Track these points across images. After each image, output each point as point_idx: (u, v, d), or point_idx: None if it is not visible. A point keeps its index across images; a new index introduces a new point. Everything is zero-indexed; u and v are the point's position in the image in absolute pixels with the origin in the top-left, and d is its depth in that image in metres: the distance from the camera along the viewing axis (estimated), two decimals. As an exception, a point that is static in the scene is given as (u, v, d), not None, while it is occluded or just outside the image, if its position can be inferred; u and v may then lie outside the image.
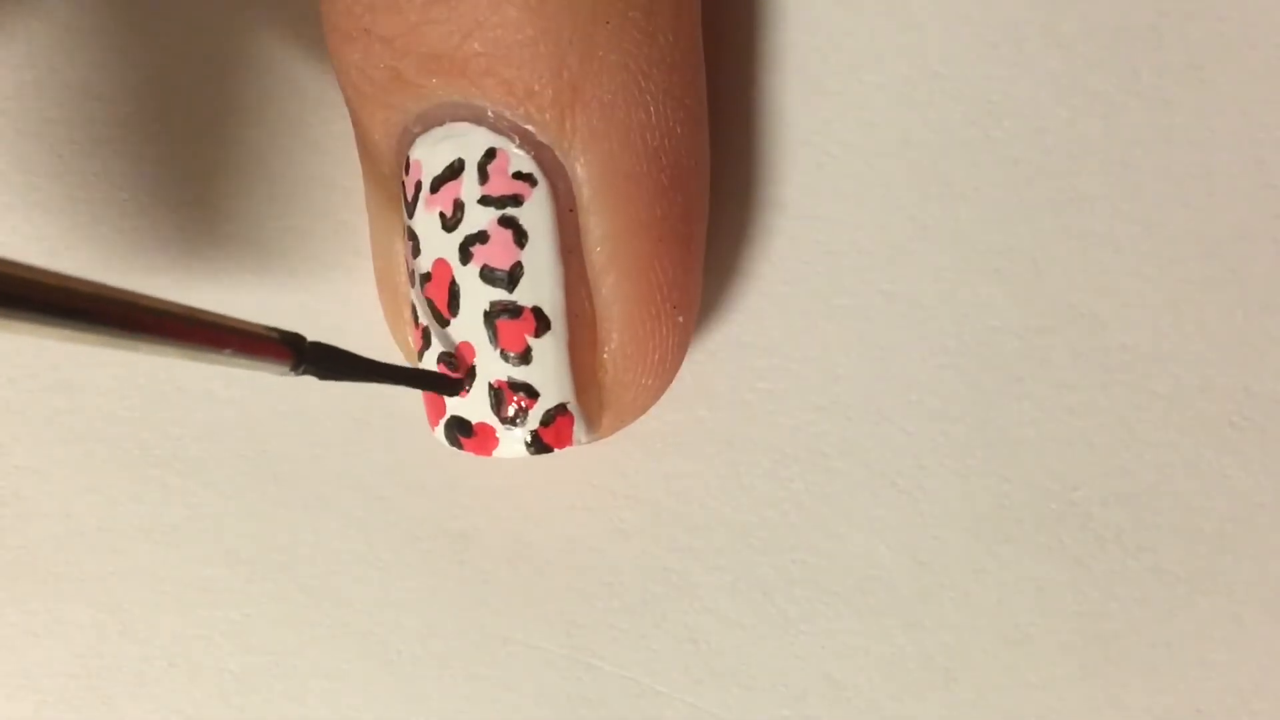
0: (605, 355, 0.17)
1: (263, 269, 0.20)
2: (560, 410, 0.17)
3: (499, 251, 0.17)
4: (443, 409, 0.17)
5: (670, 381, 0.18)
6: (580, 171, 0.17)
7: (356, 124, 0.18)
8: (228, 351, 0.14)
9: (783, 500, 0.20)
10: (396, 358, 0.19)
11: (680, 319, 0.18)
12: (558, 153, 0.17)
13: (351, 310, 0.20)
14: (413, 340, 0.18)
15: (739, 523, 0.20)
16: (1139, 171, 0.19)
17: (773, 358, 0.20)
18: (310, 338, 0.15)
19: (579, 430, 0.17)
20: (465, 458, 0.20)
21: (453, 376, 0.17)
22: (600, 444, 0.19)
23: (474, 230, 0.17)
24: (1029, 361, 0.19)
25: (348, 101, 0.18)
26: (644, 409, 0.18)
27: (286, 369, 0.15)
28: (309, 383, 0.20)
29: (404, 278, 0.18)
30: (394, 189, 0.18)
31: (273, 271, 0.20)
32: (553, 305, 0.17)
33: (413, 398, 0.19)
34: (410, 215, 0.17)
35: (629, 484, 0.20)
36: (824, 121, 0.19)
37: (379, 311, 0.20)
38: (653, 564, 0.20)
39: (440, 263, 0.17)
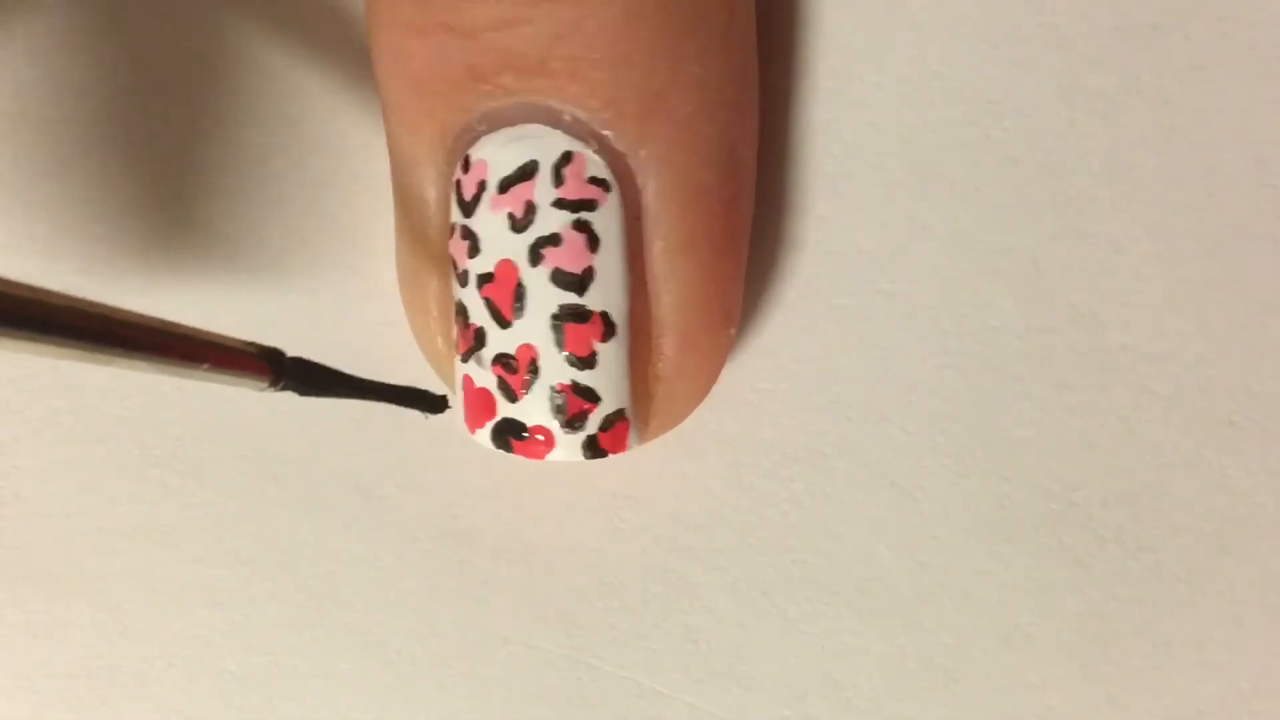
0: (660, 364, 0.17)
1: (262, 268, 0.20)
2: (619, 416, 0.17)
3: (572, 255, 0.17)
4: (489, 411, 0.17)
5: (710, 389, 0.18)
6: (652, 181, 0.17)
7: (403, 119, 0.17)
8: (205, 366, 0.14)
9: (783, 500, 0.20)
10: (404, 354, 0.19)
11: (731, 331, 0.18)
12: (630, 161, 0.17)
13: (350, 309, 0.20)
14: (444, 340, 0.18)
15: (739, 523, 0.20)
16: (1139, 171, 0.19)
17: (773, 358, 0.20)
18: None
19: (632, 436, 0.17)
20: (465, 458, 0.20)
21: (436, 395, 0.17)
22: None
23: (546, 233, 0.16)
24: (1029, 361, 0.19)
25: (395, 95, 0.17)
26: (687, 415, 0.18)
27: (265, 385, 0.15)
28: (309, 383, 0.20)
29: (437, 277, 0.18)
30: (437, 186, 0.17)
31: (272, 271, 0.20)
32: (619, 312, 0.17)
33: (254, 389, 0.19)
34: (467, 214, 0.17)
35: (629, 484, 0.20)
36: (824, 121, 0.19)
37: (377, 310, 0.20)
38: (653, 564, 0.20)
39: (506, 263, 0.17)
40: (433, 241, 0.18)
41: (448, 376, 0.18)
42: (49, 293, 0.12)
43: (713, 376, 0.18)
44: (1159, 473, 0.19)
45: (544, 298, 0.17)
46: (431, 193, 0.18)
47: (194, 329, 0.14)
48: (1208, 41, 0.19)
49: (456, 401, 0.18)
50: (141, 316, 0.13)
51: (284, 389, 0.15)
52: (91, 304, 0.12)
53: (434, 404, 0.17)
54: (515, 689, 0.20)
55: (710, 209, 0.17)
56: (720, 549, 0.20)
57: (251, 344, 0.14)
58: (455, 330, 0.17)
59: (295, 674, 0.20)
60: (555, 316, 0.17)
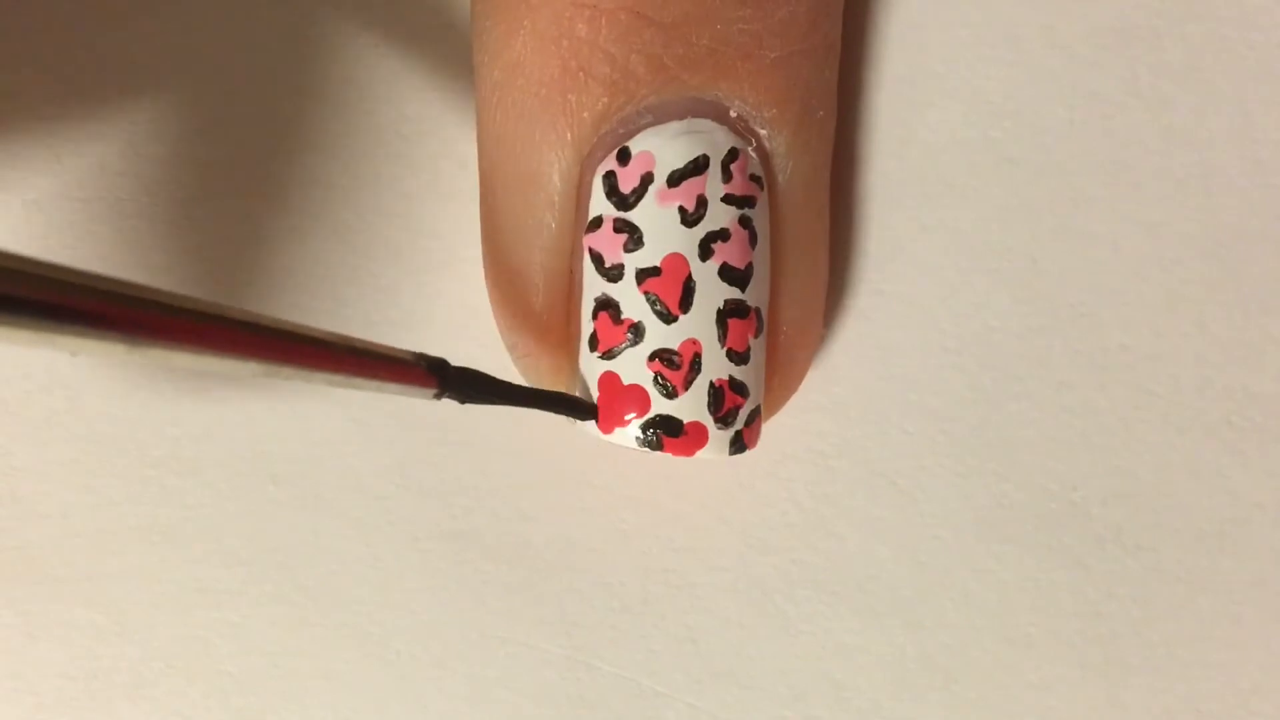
0: (775, 358, 0.18)
1: (261, 269, 0.20)
2: (758, 411, 0.17)
3: (739, 250, 0.17)
4: (639, 409, 0.17)
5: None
6: (788, 181, 0.17)
7: (543, 105, 0.17)
8: (377, 378, 0.14)
9: (783, 500, 0.20)
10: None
11: (823, 330, 0.19)
12: (774, 160, 0.17)
13: (350, 309, 0.20)
14: (557, 335, 0.18)
15: (739, 523, 0.20)
16: (1139, 171, 0.19)
17: (773, 358, 0.20)
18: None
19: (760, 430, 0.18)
20: (465, 458, 0.20)
21: (588, 402, 0.17)
22: (599, 445, 0.19)
23: (717, 227, 0.17)
24: (1028, 361, 0.19)
25: (539, 78, 0.17)
26: (782, 408, 0.19)
27: (430, 394, 0.15)
28: (306, 382, 0.20)
29: (552, 269, 0.17)
30: (572, 177, 0.17)
31: (271, 271, 0.20)
32: (765, 307, 0.17)
33: (418, 403, 0.19)
34: (625, 207, 0.17)
35: (629, 484, 0.20)
36: (824, 121, 0.19)
37: (377, 310, 0.20)
38: (653, 564, 0.20)
39: (675, 258, 0.17)
40: (553, 233, 0.17)
41: (544, 374, 0.18)
42: (232, 309, 0.12)
43: (808, 369, 0.19)
44: (1158, 473, 0.19)
45: (713, 293, 0.17)
46: (560, 183, 0.17)
47: (365, 342, 0.14)
48: (1206, 43, 0.19)
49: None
50: (315, 330, 0.13)
51: (444, 398, 0.15)
52: (269, 320, 0.13)
53: (586, 410, 0.17)
54: (515, 689, 0.20)
55: (824, 210, 0.18)
56: (720, 549, 0.20)
57: (419, 355, 0.15)
58: (591, 327, 0.17)
59: (295, 674, 0.20)
60: (721, 312, 0.17)
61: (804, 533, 0.20)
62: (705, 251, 0.17)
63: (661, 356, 0.17)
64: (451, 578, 0.20)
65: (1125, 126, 0.19)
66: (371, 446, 0.20)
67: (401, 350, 0.14)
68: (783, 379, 0.18)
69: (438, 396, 0.15)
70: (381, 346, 0.14)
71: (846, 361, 0.20)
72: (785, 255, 0.17)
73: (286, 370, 0.13)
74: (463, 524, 0.20)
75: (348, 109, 0.20)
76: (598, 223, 0.17)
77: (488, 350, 0.19)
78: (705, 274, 0.17)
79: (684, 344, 0.17)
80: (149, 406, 0.20)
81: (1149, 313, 0.19)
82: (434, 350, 0.20)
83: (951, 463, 0.20)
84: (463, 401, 0.15)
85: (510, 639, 0.20)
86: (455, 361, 0.16)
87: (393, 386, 0.14)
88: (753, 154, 0.17)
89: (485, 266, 0.18)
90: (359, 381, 0.14)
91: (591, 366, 0.17)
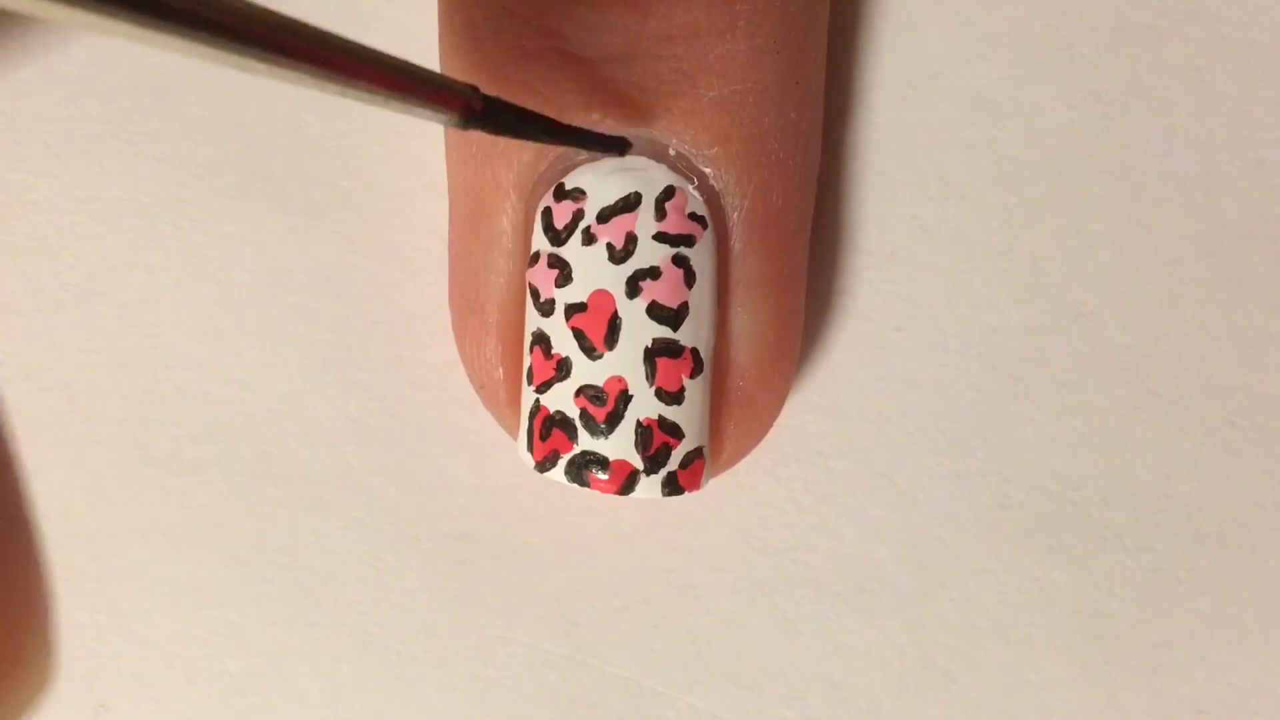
0: (732, 403, 0.17)
1: (261, 268, 0.20)
2: (697, 453, 0.17)
3: (670, 289, 0.16)
4: (565, 444, 0.17)
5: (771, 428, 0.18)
6: (743, 221, 0.17)
7: (488, 141, 0.17)
8: (402, 95, 0.13)
9: (783, 500, 0.20)
10: (400, 354, 0.19)
11: (793, 373, 0.18)
12: (725, 200, 0.17)
13: (350, 309, 0.20)
14: (505, 370, 0.18)
15: (739, 523, 0.20)
16: (1139, 171, 0.19)
17: (773, 358, 0.20)
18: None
19: (705, 474, 0.17)
20: (465, 458, 0.20)
21: (621, 138, 0.16)
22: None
23: (646, 265, 0.16)
24: (1029, 361, 0.19)
25: None
26: (750, 452, 0.18)
27: (455, 121, 0.14)
28: (306, 382, 0.20)
29: (503, 305, 0.18)
30: (517, 212, 0.17)
31: (272, 271, 0.20)
32: (707, 348, 0.17)
33: (418, 404, 0.19)
34: (558, 243, 0.17)
35: (629, 484, 0.20)
36: (824, 122, 0.19)
37: (376, 310, 0.20)
38: (653, 564, 0.20)
39: (601, 294, 0.16)
40: (501, 268, 0.18)
41: (502, 406, 0.18)
42: (269, 12, 0.12)
43: (776, 414, 0.18)
44: (1159, 473, 0.19)
45: (639, 330, 0.16)
46: (507, 219, 0.17)
47: (393, 57, 0.13)
48: (1207, 42, 0.19)
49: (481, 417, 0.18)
50: (347, 41, 0.13)
51: (471, 127, 0.14)
52: (303, 25, 0.12)
53: (620, 146, 0.16)
54: (515, 689, 0.20)
55: (791, 252, 0.18)
56: (720, 549, 0.20)
57: (448, 80, 0.14)
58: (529, 360, 0.17)
59: (295, 674, 0.20)
60: (649, 350, 0.16)
61: (804, 533, 0.20)
62: (633, 289, 0.16)
63: (587, 392, 0.17)
64: (451, 578, 0.20)
65: (1125, 126, 0.19)
66: (371, 446, 0.20)
67: (432, 72, 0.14)
68: (741, 423, 0.18)
69: (464, 126, 0.14)
70: (411, 66, 0.13)
71: (846, 361, 0.20)
72: (738, 296, 0.17)
73: (322, 78, 0.12)
74: (463, 524, 0.20)
75: (348, 109, 0.20)
76: (535, 258, 0.17)
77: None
78: (632, 311, 0.16)
79: (609, 380, 0.17)
80: (150, 407, 0.20)
81: (1149, 313, 0.19)
82: (434, 352, 0.20)
83: (951, 463, 0.20)
84: (494, 133, 0.15)
85: (510, 639, 0.20)
86: (454, 368, 0.15)
87: (420, 109, 0.14)
88: (694, 193, 0.17)
89: (450, 300, 0.18)
90: (384, 98, 0.13)
91: (528, 399, 0.17)
